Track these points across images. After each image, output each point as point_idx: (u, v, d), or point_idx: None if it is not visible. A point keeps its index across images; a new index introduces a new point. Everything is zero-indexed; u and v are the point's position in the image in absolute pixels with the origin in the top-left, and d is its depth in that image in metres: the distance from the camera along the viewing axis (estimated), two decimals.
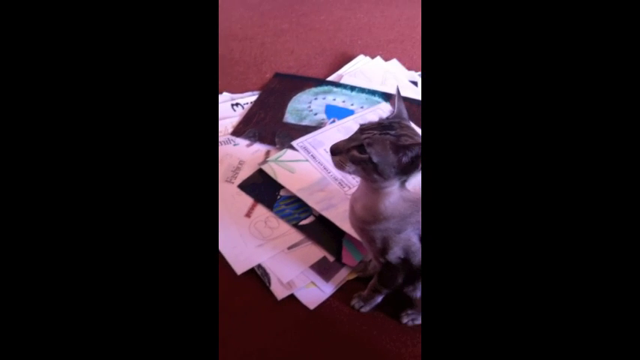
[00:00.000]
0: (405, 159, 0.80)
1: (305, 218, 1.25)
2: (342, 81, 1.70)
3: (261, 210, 1.27)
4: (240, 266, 1.15)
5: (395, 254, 0.91)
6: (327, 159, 1.36)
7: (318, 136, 1.44)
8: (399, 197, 0.84)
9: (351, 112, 1.56)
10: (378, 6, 2.18)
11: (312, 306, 1.10)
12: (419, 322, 1.07)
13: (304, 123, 1.53)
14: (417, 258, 0.91)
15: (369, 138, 0.81)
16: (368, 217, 0.89)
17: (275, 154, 1.39)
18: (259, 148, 1.44)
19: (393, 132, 0.81)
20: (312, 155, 1.38)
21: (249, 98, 1.63)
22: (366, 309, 1.09)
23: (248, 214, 1.26)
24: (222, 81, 1.72)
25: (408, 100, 1.54)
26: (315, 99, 1.62)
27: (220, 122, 1.53)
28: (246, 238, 1.21)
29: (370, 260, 1.14)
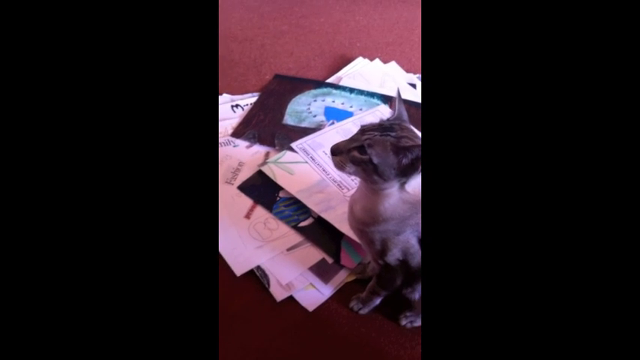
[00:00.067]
0: (405, 160, 0.80)
1: (304, 220, 1.25)
2: (341, 83, 1.70)
3: (260, 211, 1.28)
4: (239, 267, 1.15)
5: (394, 256, 0.91)
6: (326, 161, 1.36)
7: (318, 138, 1.44)
8: (398, 199, 0.85)
9: (350, 114, 1.56)
10: (376, 8, 2.19)
11: (311, 308, 1.10)
12: (417, 324, 1.07)
13: (303, 125, 1.53)
14: (415, 260, 0.91)
15: (370, 139, 0.81)
16: (367, 218, 0.89)
17: (274, 156, 1.39)
18: (259, 150, 1.44)
19: (393, 133, 0.82)
20: (311, 157, 1.38)
21: (248, 100, 1.64)
22: (364, 311, 1.09)
23: (247, 216, 1.26)
24: (222, 82, 1.72)
25: (406, 103, 1.53)
26: (315, 101, 1.63)
27: (220, 123, 1.53)
28: (245, 239, 1.21)
29: (369, 262, 1.14)
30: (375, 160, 0.80)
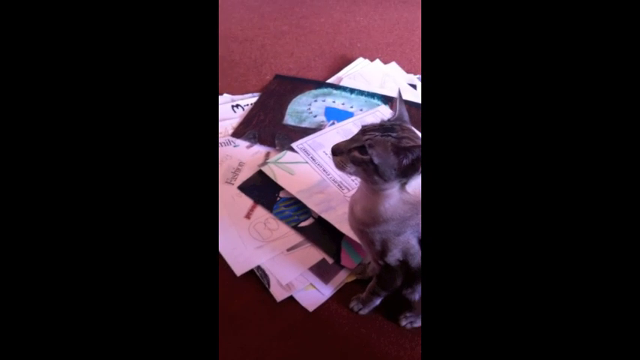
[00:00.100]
0: (405, 161, 0.80)
1: (304, 220, 1.25)
2: (342, 83, 1.70)
3: (260, 211, 1.28)
4: (239, 267, 1.15)
5: (394, 257, 0.91)
6: (326, 161, 1.36)
7: (318, 138, 1.44)
8: (398, 200, 0.85)
9: (350, 115, 1.56)
10: (377, 9, 2.19)
11: (311, 308, 1.10)
12: (417, 324, 1.07)
13: (304, 125, 1.53)
14: (415, 260, 0.91)
15: (371, 139, 0.81)
16: (367, 219, 0.89)
17: (275, 156, 1.39)
18: (259, 150, 1.44)
19: (394, 134, 0.82)
20: (311, 157, 1.38)
21: (249, 100, 1.64)
22: (364, 311, 1.09)
23: (248, 216, 1.26)
24: (222, 82, 1.72)
25: (407, 103, 1.53)
26: (315, 101, 1.63)
27: (221, 123, 1.53)
28: (245, 239, 1.21)
29: (369, 262, 1.14)
30: (376, 161, 0.80)
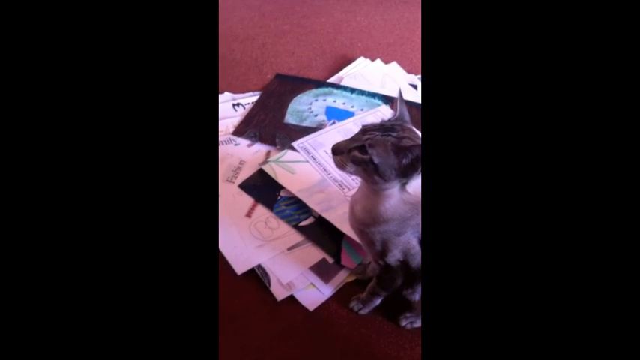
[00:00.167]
0: (405, 161, 0.80)
1: (305, 219, 1.25)
2: (343, 83, 1.70)
3: (261, 210, 1.28)
4: (240, 266, 1.15)
5: (394, 257, 0.91)
6: (327, 160, 1.36)
7: (319, 138, 1.44)
8: (399, 200, 0.85)
9: (351, 114, 1.56)
10: (378, 9, 2.19)
11: (311, 307, 1.10)
12: (417, 325, 1.07)
13: (305, 124, 1.53)
14: (416, 261, 0.91)
15: (371, 139, 0.81)
16: (368, 219, 0.89)
17: (275, 155, 1.39)
18: (260, 149, 1.45)
19: (394, 134, 0.82)
20: (312, 156, 1.38)
21: (250, 98, 1.64)
22: (364, 311, 1.09)
23: (248, 215, 1.27)
24: (223, 81, 1.72)
25: (407, 104, 1.53)
26: (316, 100, 1.63)
27: (221, 122, 1.53)
28: (246, 238, 1.21)
29: (369, 262, 1.14)
30: (376, 160, 0.80)
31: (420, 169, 0.80)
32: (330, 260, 1.17)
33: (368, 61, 1.83)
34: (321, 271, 1.15)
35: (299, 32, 2.02)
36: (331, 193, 1.28)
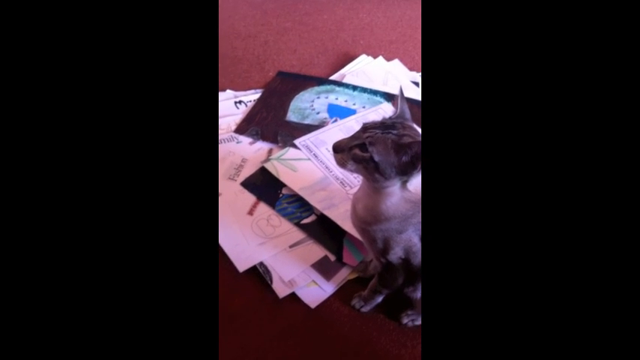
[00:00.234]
0: (404, 158, 0.80)
1: (306, 217, 1.25)
2: (345, 80, 1.70)
3: (263, 208, 1.28)
4: (242, 264, 1.15)
5: (396, 255, 0.92)
6: (329, 158, 1.36)
7: (321, 135, 1.44)
8: (400, 198, 0.85)
9: (353, 112, 1.56)
10: (380, 6, 2.18)
11: (313, 305, 1.10)
12: (419, 322, 1.07)
13: (306, 122, 1.53)
14: (417, 259, 0.91)
15: (371, 137, 0.81)
16: (369, 217, 0.89)
17: (277, 153, 1.39)
18: (262, 146, 1.45)
19: (395, 131, 0.82)
20: (314, 154, 1.38)
21: (252, 96, 1.64)
22: (366, 309, 1.09)
23: (250, 212, 1.27)
24: (225, 78, 1.72)
25: (409, 101, 1.52)
26: (318, 98, 1.63)
27: (223, 120, 1.53)
28: (248, 235, 1.21)
29: (371, 260, 1.14)
30: (376, 158, 0.80)
31: (419, 166, 0.80)
32: (332, 258, 1.17)
33: (370, 58, 1.83)
34: (323, 268, 1.16)
35: (301, 30, 2.02)
36: (333, 190, 1.28)
